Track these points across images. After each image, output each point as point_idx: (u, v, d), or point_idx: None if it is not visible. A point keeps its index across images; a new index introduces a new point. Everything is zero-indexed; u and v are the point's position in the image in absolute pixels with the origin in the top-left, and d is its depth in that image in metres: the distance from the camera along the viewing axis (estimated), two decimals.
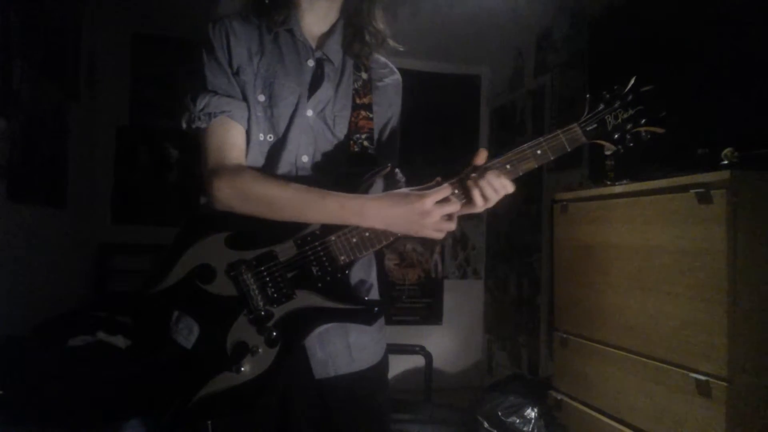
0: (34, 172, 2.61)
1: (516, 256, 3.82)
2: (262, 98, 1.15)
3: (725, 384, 1.57)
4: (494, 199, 1.06)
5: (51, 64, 2.77)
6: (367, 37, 1.22)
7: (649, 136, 1.08)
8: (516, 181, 1.08)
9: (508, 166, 1.08)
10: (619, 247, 2.04)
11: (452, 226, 1.07)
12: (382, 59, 1.32)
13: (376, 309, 1.12)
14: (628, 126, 1.08)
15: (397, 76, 1.33)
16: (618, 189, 2.07)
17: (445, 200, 1.06)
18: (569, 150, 1.09)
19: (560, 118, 3.26)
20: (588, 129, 1.08)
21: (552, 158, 1.09)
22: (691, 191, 1.68)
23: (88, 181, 3.41)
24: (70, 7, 3.03)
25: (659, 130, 1.07)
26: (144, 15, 3.56)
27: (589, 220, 2.23)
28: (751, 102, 1.90)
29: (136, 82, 3.71)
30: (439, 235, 1.07)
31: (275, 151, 1.15)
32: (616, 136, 1.08)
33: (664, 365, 1.78)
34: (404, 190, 1.09)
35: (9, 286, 2.37)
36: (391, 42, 1.26)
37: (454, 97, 4.32)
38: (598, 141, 1.10)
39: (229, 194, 1.08)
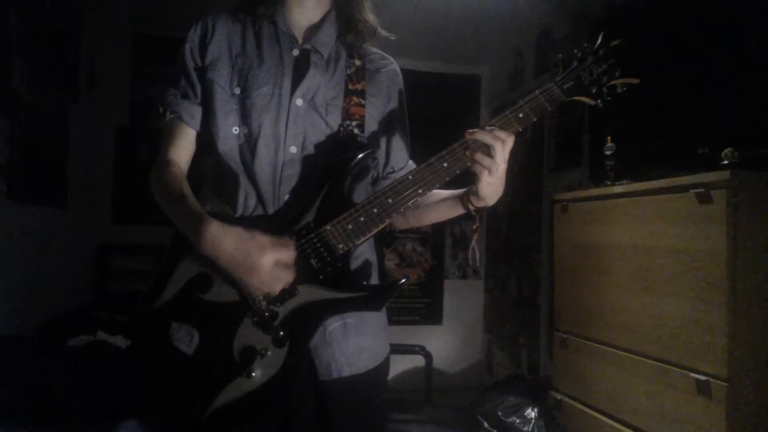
0: (34, 172, 2.61)
1: (516, 256, 3.82)
2: (237, 90, 1.15)
3: (725, 384, 1.56)
4: (499, 152, 1.05)
5: (51, 64, 2.77)
6: (360, 27, 1.23)
7: (625, 88, 1.10)
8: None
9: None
10: (619, 247, 2.03)
11: (288, 276, 1.03)
12: (380, 51, 1.31)
13: (382, 292, 1.12)
14: (604, 79, 1.09)
15: (393, 66, 1.31)
16: (618, 189, 2.07)
17: (284, 253, 1.03)
18: (550, 110, 1.10)
19: (560, 116, 3.26)
20: (565, 87, 1.09)
21: (534, 120, 1.10)
22: (691, 191, 1.68)
23: (88, 181, 3.41)
24: (70, 6, 3.03)
25: (634, 81, 1.09)
26: (144, 15, 3.55)
27: (589, 220, 2.23)
28: (751, 102, 1.89)
29: (136, 82, 3.71)
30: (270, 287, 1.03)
31: (252, 142, 1.13)
32: (593, 90, 1.09)
33: (664, 365, 1.78)
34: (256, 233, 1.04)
35: (9, 286, 2.37)
36: (382, 32, 1.27)
37: (454, 97, 4.32)
38: (577, 97, 1.10)
39: (152, 188, 1.15)
